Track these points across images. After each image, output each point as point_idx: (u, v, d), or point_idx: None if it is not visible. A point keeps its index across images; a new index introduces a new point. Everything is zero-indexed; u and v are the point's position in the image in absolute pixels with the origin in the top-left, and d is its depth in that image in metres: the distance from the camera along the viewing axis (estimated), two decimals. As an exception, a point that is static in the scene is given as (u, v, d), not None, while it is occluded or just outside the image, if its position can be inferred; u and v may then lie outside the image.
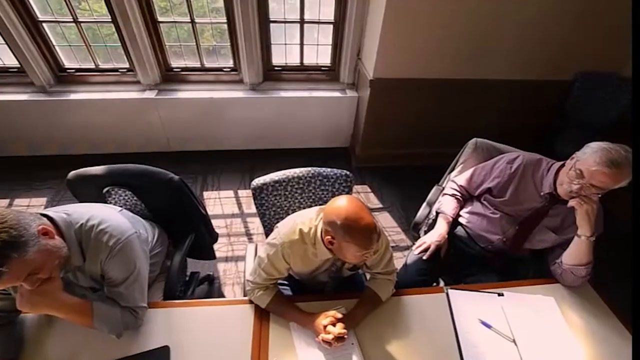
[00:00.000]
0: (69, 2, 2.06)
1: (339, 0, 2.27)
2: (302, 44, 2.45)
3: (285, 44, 2.45)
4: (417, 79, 2.27)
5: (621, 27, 2.11)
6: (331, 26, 2.39)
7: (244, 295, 1.13)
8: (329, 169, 1.34)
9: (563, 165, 1.17)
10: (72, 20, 2.15)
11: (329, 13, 2.34)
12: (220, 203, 2.33)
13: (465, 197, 1.45)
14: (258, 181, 1.28)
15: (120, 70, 2.41)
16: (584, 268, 1.12)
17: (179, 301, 1.11)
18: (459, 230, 1.43)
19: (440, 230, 1.36)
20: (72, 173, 1.27)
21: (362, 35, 2.36)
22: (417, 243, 1.37)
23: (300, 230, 0.97)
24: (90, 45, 2.27)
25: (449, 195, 1.45)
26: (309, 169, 1.32)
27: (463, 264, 1.39)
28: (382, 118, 2.47)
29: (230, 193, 2.40)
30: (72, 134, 2.48)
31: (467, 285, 1.19)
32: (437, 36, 2.09)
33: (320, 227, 0.96)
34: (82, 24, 2.17)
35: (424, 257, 1.32)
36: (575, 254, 1.13)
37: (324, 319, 0.96)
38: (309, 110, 2.60)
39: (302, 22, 2.34)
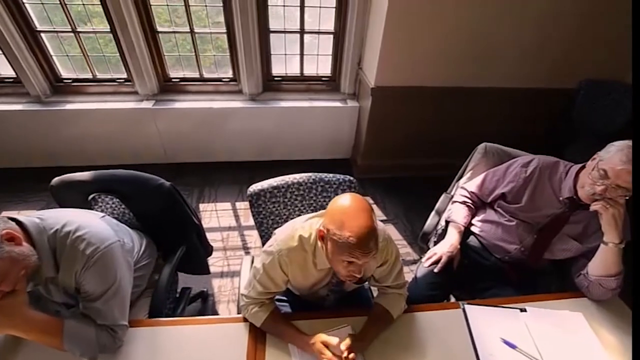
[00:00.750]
0: (69, 12, 2.05)
1: (338, 11, 2.26)
2: (302, 54, 2.43)
3: (285, 54, 2.43)
4: (419, 86, 2.23)
5: (624, 33, 2.09)
6: (331, 36, 2.38)
7: (238, 312, 1.02)
8: (331, 175, 1.26)
9: (583, 167, 1.09)
10: (70, 30, 2.13)
11: (329, 25, 2.33)
12: (217, 215, 2.23)
13: (477, 205, 1.35)
14: (255, 187, 1.19)
15: (118, 80, 2.38)
16: (613, 279, 1.01)
17: (165, 319, 0.99)
18: (472, 240, 1.33)
19: (451, 240, 1.26)
20: (56, 179, 1.19)
21: (362, 45, 2.34)
22: (427, 254, 1.27)
23: (300, 237, 0.88)
24: (88, 56, 2.25)
25: (460, 202, 1.35)
26: (310, 174, 1.24)
27: (477, 276, 1.28)
28: (383, 127, 2.42)
29: (228, 205, 2.31)
30: (66, 145, 2.41)
31: (486, 300, 1.08)
32: (439, 44, 2.07)
33: None
34: (80, 35, 2.16)
35: (435, 270, 1.21)
36: (602, 264, 1.03)
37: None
38: (309, 120, 2.55)
39: (302, 32, 2.33)
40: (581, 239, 1.13)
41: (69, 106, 2.30)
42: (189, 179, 2.50)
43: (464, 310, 1.03)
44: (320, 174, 1.25)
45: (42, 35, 2.15)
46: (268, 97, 2.51)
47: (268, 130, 2.56)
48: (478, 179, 1.34)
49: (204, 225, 2.10)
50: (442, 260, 1.21)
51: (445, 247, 1.24)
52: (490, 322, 1.00)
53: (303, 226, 0.90)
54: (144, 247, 1.13)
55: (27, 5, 2.02)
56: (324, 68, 2.56)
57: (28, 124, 2.29)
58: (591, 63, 2.27)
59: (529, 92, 2.36)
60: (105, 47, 2.27)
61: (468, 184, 1.38)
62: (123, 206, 1.23)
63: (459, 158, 1.52)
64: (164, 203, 1.21)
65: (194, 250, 1.38)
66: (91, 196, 1.19)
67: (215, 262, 1.91)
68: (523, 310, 1.04)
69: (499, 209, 1.26)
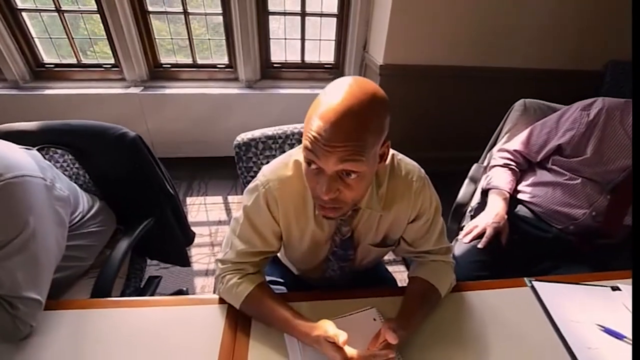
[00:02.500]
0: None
1: (342, -8, 2.13)
2: (303, 39, 2.27)
3: (285, 38, 2.27)
4: (430, 65, 2.02)
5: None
6: (334, 20, 2.23)
7: (214, 291, 0.72)
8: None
9: (669, 101, 0.83)
10: (54, 9, 1.98)
11: (332, 7, 2.19)
12: (206, 209, 1.95)
13: (522, 167, 1.09)
14: (244, 136, 0.95)
15: (105, 65, 2.20)
16: None
17: (106, 299, 0.70)
18: (521, 210, 1.05)
19: (496, 208, 0.98)
20: (-7, 129, 0.94)
21: (368, 27, 2.18)
22: (466, 229, 0.98)
23: (296, 163, 0.61)
24: (72, 38, 2.09)
25: (500, 166, 1.09)
26: (314, 124, 0.99)
27: (533, 255, 0.99)
28: (393, 115, 2.11)
29: (219, 199, 2.03)
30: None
31: (561, 277, 0.78)
32: (452, 20, 1.89)
33: None
34: (65, 14, 2.00)
35: (480, 245, 0.92)
36: None
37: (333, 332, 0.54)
38: (311, 110, 2.34)
39: (303, 14, 2.18)
40: (675, 195, 0.85)
41: (48, 92, 2.10)
42: (177, 173, 2.24)
43: (532, 288, 0.73)
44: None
45: (24, 14, 1.99)
46: (266, 85, 2.32)
47: (266, 120, 2.32)
48: (522, 135, 1.08)
49: (190, 220, 1.83)
50: (488, 233, 0.92)
51: (489, 217, 0.96)
52: (574, 304, 0.70)
53: (300, 151, 0.62)
54: (95, 210, 0.86)
55: (8, -20, 1.88)
56: (327, 55, 2.38)
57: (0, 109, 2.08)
58: (618, 42, 2.09)
59: (552, 74, 2.16)
60: (92, 29, 2.12)
61: (508, 143, 1.12)
62: (77, 165, 0.97)
63: (478, 150, 1.29)
64: (128, 159, 0.95)
65: (167, 230, 1.10)
66: (36, 148, 0.93)
67: (199, 259, 1.60)
68: (615, 288, 0.74)
69: (554, 167, 0.99)
